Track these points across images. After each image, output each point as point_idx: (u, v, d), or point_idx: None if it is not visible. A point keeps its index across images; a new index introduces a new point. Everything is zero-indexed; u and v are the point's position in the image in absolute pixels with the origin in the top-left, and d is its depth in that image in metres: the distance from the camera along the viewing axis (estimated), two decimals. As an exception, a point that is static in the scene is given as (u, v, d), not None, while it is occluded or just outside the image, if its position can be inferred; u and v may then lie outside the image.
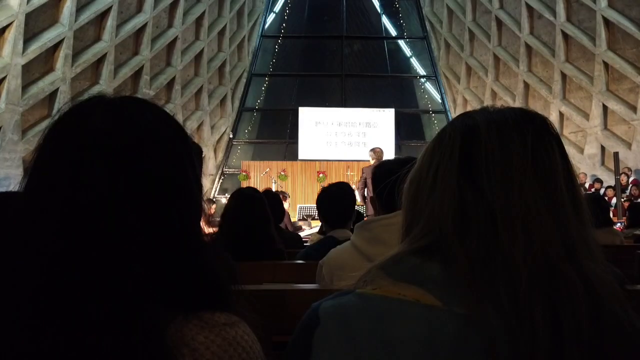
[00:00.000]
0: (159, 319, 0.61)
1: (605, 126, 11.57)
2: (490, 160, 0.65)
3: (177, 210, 0.67)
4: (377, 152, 7.77)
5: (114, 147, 0.64)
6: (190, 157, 0.72)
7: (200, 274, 0.67)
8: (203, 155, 13.02)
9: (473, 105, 13.47)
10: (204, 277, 0.67)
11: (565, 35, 11.85)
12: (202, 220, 0.73)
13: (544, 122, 0.69)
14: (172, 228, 0.66)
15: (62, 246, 0.60)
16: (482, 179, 0.65)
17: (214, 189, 13.82)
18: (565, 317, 0.58)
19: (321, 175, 13.12)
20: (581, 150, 12.05)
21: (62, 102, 9.67)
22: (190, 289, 0.65)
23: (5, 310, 0.60)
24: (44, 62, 9.49)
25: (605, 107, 11.44)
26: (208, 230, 6.06)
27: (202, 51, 13.06)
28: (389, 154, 12.14)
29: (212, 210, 8.85)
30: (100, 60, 10.49)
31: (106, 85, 10.53)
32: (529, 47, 12.70)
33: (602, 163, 11.76)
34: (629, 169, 10.78)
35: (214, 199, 12.77)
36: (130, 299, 0.60)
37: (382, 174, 1.81)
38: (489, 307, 0.59)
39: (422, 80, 15.86)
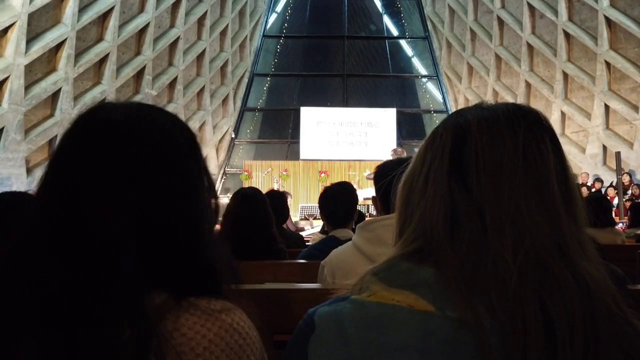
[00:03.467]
0: (156, 307, 0.62)
1: (607, 126, 11.53)
2: (480, 160, 0.63)
3: (181, 204, 0.68)
4: (398, 152, 7.94)
5: (133, 149, 0.67)
6: (202, 160, 0.75)
7: (195, 262, 0.68)
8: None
9: (475, 105, 13.41)
10: (199, 265, 0.68)
11: (567, 35, 11.81)
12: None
13: (537, 117, 0.67)
14: (174, 218, 0.67)
15: (69, 241, 0.62)
16: (472, 179, 0.63)
17: (215, 189, 13.83)
18: (557, 317, 0.57)
19: (323, 174, 13.11)
20: (583, 150, 12.02)
21: (64, 102, 9.69)
22: (186, 277, 0.66)
23: (4, 304, 0.61)
24: (46, 62, 9.50)
25: (607, 107, 11.40)
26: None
27: (204, 51, 13.05)
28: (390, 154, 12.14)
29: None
30: (103, 60, 10.49)
31: (108, 85, 10.55)
32: (530, 47, 12.66)
33: (604, 163, 11.73)
34: (623, 169, 10.67)
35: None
36: (127, 286, 0.61)
37: (382, 174, 1.81)
38: (480, 309, 0.58)
39: (424, 80, 15.83)
